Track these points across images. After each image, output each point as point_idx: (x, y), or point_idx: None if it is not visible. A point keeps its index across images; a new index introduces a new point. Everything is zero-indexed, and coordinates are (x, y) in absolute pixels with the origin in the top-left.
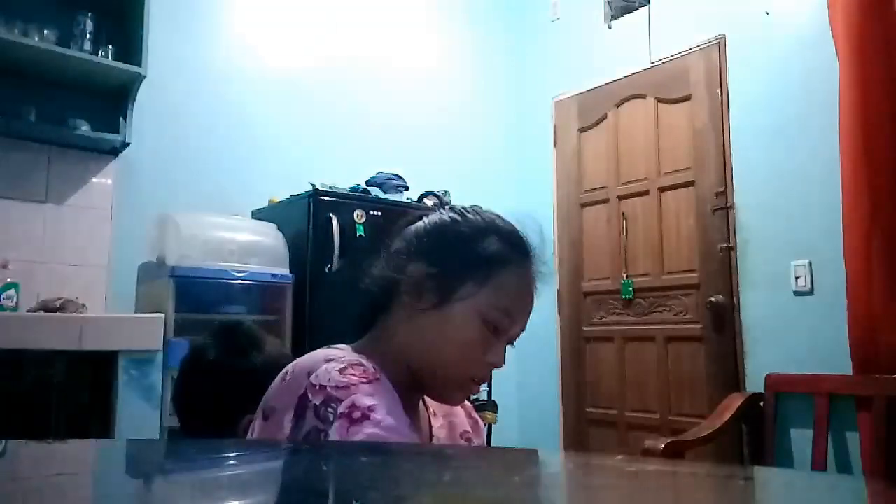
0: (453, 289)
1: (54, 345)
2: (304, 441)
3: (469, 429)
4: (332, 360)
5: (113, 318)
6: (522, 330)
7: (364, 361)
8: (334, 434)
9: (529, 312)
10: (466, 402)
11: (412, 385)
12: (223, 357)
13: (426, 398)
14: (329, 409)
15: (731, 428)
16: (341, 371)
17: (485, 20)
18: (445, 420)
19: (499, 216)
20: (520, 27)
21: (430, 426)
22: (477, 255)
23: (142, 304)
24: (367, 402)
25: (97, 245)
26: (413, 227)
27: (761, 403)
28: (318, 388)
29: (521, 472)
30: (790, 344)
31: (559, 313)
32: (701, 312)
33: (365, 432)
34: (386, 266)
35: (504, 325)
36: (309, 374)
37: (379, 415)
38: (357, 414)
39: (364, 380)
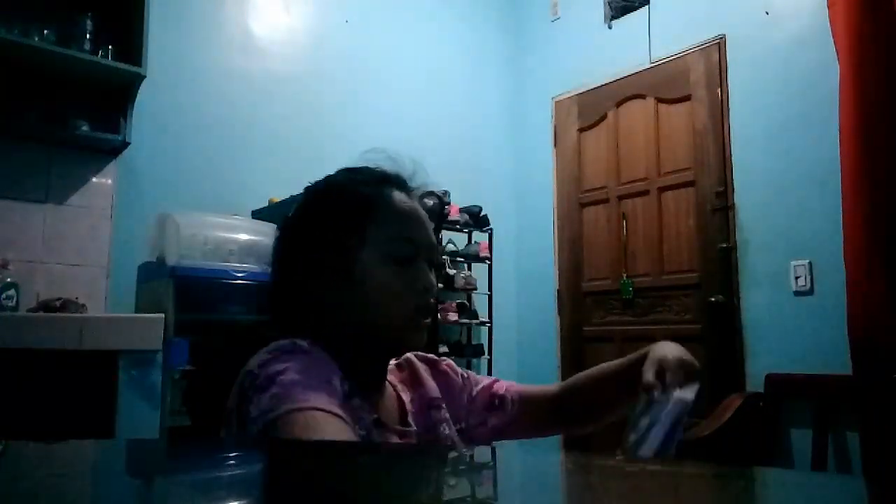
0: (348, 244)
1: (54, 345)
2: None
3: (438, 394)
4: (267, 346)
5: (113, 318)
6: (433, 247)
7: (298, 340)
8: (253, 409)
9: (427, 228)
10: (434, 361)
11: (365, 357)
12: None
13: (391, 379)
14: (250, 388)
15: (731, 428)
16: (268, 351)
17: (485, 20)
18: (415, 394)
19: (347, 167)
20: (520, 27)
21: (402, 403)
22: (349, 205)
23: (142, 304)
24: (278, 368)
25: (97, 245)
26: (287, 217)
27: (761, 403)
28: (246, 372)
29: (520, 472)
30: (790, 344)
31: (559, 313)
32: (701, 312)
33: (270, 393)
34: (286, 257)
35: (409, 250)
36: None
37: (285, 376)
38: (265, 382)
39: (284, 351)
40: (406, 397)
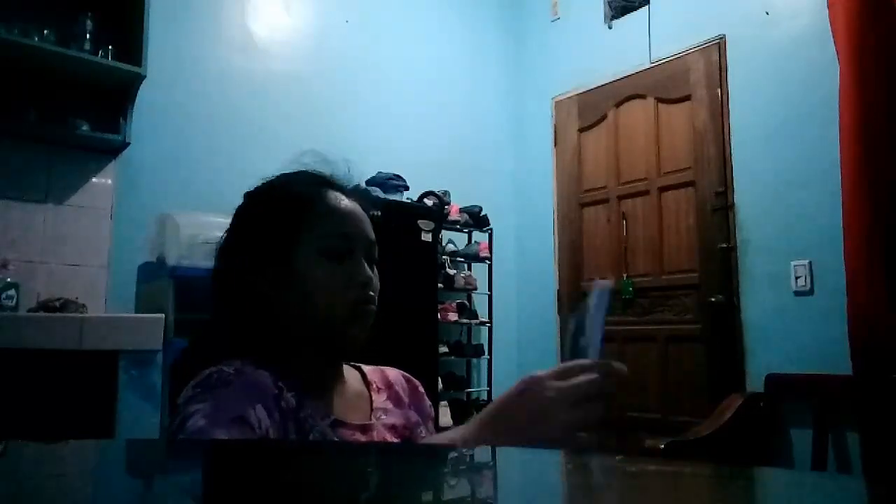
0: (284, 244)
1: (54, 345)
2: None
3: (411, 400)
4: (196, 378)
5: (113, 318)
6: (371, 243)
7: (224, 367)
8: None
9: (365, 224)
10: (411, 378)
11: (314, 356)
12: None
13: (368, 376)
14: (173, 423)
15: (731, 428)
16: (194, 384)
17: (485, 20)
18: (390, 392)
19: (283, 172)
20: (520, 27)
21: (372, 401)
22: (283, 205)
23: (142, 304)
24: (191, 409)
25: (97, 245)
26: (231, 224)
27: (761, 403)
28: (178, 404)
29: (521, 473)
30: (790, 344)
31: (559, 313)
32: (701, 312)
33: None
34: (223, 269)
35: (343, 246)
36: None
37: (192, 421)
38: (177, 426)
39: (199, 389)
40: (378, 396)
